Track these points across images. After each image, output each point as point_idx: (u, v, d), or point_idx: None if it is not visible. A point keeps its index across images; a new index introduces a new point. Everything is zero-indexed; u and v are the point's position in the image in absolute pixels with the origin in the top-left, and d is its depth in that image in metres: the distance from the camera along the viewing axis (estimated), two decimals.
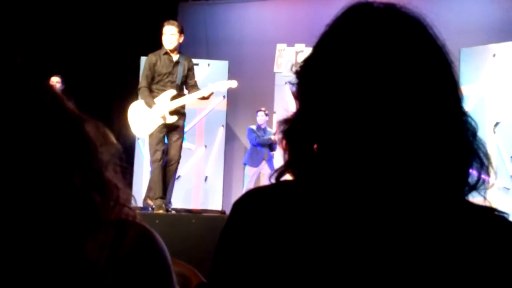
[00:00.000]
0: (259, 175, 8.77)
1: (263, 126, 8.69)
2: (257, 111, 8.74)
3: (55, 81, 7.46)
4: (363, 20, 0.85)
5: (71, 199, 0.90)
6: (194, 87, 5.92)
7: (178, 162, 5.88)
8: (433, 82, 0.82)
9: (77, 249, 0.89)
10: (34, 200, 0.88)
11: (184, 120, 5.98)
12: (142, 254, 0.94)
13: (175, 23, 5.85)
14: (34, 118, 0.90)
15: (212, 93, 5.86)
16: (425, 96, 0.81)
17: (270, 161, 8.70)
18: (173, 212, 6.00)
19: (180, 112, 5.83)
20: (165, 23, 5.81)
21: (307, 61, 0.88)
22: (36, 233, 0.88)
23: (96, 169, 0.95)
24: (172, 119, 5.73)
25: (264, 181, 8.57)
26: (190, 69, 5.94)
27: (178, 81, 5.84)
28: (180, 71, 5.83)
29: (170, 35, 5.73)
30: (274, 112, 8.80)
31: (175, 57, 5.85)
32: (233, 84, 6.16)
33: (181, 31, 5.79)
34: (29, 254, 0.88)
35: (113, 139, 1.01)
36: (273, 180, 0.90)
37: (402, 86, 0.80)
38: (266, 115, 8.68)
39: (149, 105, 5.71)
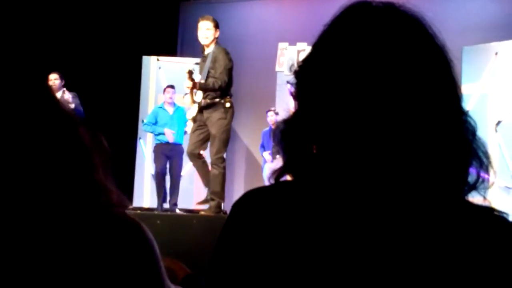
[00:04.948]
0: None
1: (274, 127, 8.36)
2: (267, 111, 8.45)
3: (53, 78, 7.20)
4: (361, 19, 0.84)
5: (59, 196, 0.93)
6: (213, 78, 5.41)
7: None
8: (432, 81, 0.81)
9: (65, 243, 0.92)
10: (21, 195, 0.91)
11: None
12: (131, 246, 0.97)
13: (210, 17, 5.58)
14: (29, 118, 0.93)
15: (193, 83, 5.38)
16: (424, 95, 0.80)
17: None
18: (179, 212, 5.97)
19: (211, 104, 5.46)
20: (200, 19, 5.57)
21: (305, 61, 0.87)
22: (23, 227, 0.91)
23: (86, 170, 0.98)
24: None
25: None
26: (215, 61, 5.45)
27: (203, 76, 5.47)
28: (206, 65, 5.49)
29: (206, 30, 5.48)
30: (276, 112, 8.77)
31: (207, 50, 5.54)
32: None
33: (216, 26, 5.53)
34: (17, 246, 0.90)
35: (105, 143, 1.04)
36: (272, 181, 0.90)
37: (401, 85, 0.80)
38: (276, 114, 8.32)
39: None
